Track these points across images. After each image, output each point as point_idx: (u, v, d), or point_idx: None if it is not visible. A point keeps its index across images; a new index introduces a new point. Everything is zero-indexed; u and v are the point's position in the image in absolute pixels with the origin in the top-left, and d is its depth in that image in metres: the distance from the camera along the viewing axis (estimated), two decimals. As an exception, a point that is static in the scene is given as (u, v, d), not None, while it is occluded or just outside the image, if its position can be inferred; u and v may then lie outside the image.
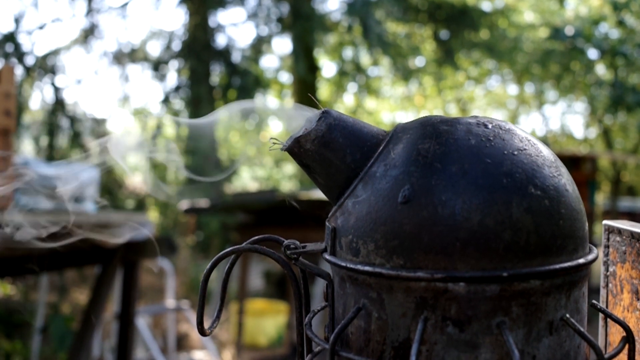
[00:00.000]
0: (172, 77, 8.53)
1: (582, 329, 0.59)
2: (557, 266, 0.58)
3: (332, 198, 0.68)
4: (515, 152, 0.61)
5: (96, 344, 3.96)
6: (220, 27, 8.44)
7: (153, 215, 9.09)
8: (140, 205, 8.67)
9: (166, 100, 8.07)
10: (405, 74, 10.35)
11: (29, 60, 7.45)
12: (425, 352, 0.58)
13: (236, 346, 5.04)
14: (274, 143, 0.69)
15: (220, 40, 8.56)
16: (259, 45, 8.70)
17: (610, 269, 0.85)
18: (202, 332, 0.69)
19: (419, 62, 11.29)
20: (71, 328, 4.74)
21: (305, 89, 8.78)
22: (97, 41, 8.13)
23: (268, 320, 5.51)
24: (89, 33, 7.90)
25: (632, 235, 0.80)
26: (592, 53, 10.28)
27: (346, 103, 13.69)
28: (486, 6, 10.65)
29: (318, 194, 4.26)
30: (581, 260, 0.61)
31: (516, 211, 0.57)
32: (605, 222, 0.86)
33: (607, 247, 0.86)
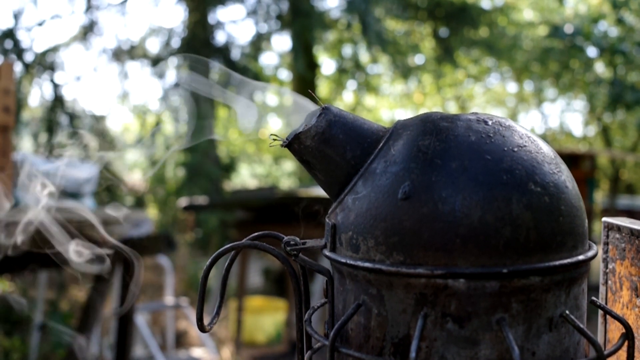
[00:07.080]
0: (171, 74, 8.52)
1: (581, 326, 0.59)
2: (557, 263, 0.58)
3: (332, 194, 0.68)
4: (515, 149, 0.61)
5: (95, 341, 3.96)
6: (219, 24, 8.43)
7: (152, 212, 9.08)
8: (139, 202, 8.66)
9: (165, 97, 8.07)
10: (405, 72, 10.34)
11: (28, 57, 7.43)
12: (425, 349, 0.58)
13: (235, 343, 5.05)
14: (274, 139, 0.69)
15: (220, 38, 8.57)
16: (259, 43, 8.69)
17: (610, 266, 0.85)
18: (201, 328, 0.69)
19: (418, 59, 11.28)
20: (70, 325, 4.74)
21: (304, 86, 8.77)
22: (96, 38, 8.11)
23: (267, 318, 5.50)
24: (88, 30, 7.88)
25: (632, 232, 0.80)
26: (592, 51, 10.27)
27: (345, 100, 13.69)
28: (485, 4, 10.64)
29: (318, 191, 4.26)
30: (581, 257, 0.61)
31: (516, 208, 0.57)
32: (604, 219, 0.86)
33: (606, 244, 0.86)
